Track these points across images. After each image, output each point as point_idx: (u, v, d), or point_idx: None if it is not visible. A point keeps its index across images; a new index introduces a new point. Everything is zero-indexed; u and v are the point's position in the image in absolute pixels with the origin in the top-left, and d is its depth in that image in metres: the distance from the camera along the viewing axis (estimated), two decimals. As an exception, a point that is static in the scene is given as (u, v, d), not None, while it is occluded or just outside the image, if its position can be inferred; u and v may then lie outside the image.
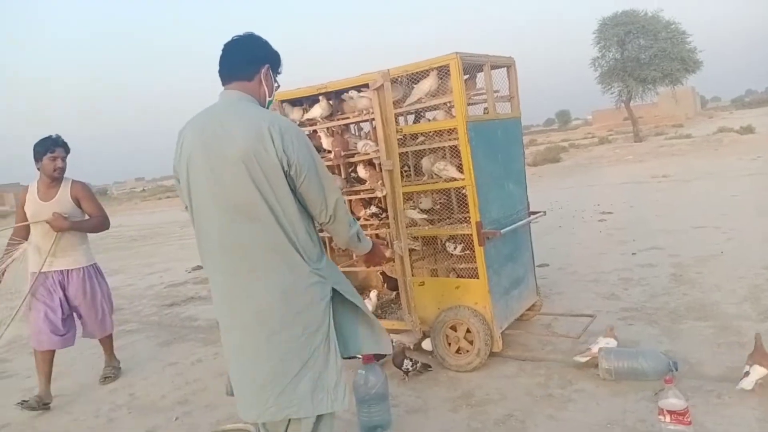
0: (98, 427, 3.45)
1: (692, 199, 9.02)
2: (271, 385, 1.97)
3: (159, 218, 20.28)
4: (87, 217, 3.99)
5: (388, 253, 3.77)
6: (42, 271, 3.82)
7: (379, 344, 2.34)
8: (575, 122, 78.72)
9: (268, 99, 2.13)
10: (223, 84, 2.10)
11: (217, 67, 2.12)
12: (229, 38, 2.12)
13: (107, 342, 4.28)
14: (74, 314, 4.02)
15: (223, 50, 2.10)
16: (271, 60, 2.12)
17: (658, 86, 26.40)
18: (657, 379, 2.92)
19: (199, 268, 8.46)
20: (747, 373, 2.82)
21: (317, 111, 3.93)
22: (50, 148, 3.78)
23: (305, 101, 4.11)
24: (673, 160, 15.95)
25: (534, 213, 4.11)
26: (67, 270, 3.91)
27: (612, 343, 3.35)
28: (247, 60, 2.08)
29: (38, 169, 3.84)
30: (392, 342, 3.48)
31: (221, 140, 1.93)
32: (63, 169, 3.86)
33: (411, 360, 3.50)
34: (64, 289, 3.90)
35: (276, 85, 2.17)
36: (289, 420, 2.00)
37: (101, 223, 4.02)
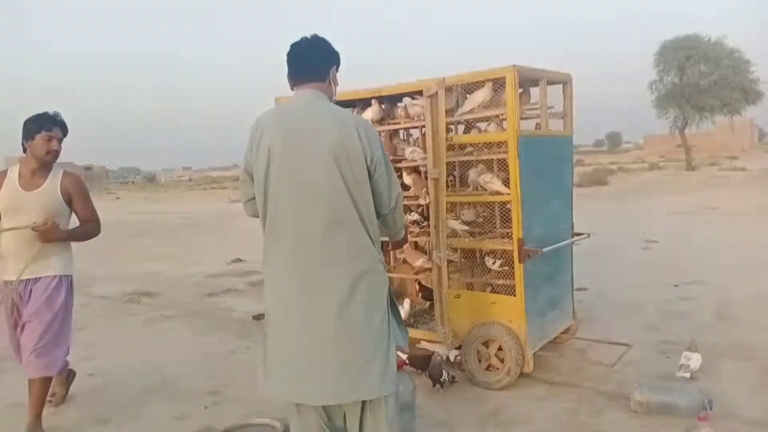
0: (129, 407, 3.54)
1: (742, 234, 8.70)
2: (346, 369, 2.04)
3: (204, 208, 20.71)
4: (75, 215, 3.27)
5: (422, 262, 3.78)
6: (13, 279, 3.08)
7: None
8: (626, 145, 76.99)
9: (334, 98, 2.25)
10: (296, 84, 2.19)
11: (285, 71, 2.22)
12: (296, 39, 2.21)
13: (38, 390, 3.10)
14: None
15: (294, 52, 2.20)
16: (338, 60, 2.24)
17: (715, 115, 25.65)
18: (690, 416, 2.83)
19: (239, 260, 8.62)
20: None
21: (368, 114, 3.96)
22: (46, 126, 3.09)
23: (357, 104, 4.16)
24: (725, 193, 15.42)
25: (578, 234, 4.04)
26: (35, 278, 3.10)
27: (696, 357, 3.46)
28: (321, 61, 2.19)
29: (25, 150, 3.13)
30: (435, 353, 3.49)
31: (311, 135, 2.04)
32: (57, 154, 3.15)
33: (447, 372, 3.48)
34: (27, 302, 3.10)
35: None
36: (363, 402, 2.11)
37: (93, 231, 3.31)
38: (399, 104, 3.94)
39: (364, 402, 2.11)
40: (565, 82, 3.87)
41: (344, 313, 2.04)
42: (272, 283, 2.14)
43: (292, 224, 2.06)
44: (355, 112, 4.14)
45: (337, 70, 2.24)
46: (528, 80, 3.63)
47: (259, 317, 5.25)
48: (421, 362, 3.59)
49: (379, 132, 3.99)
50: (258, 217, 2.19)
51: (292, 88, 2.22)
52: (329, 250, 2.04)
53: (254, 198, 2.17)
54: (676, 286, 5.71)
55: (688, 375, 3.47)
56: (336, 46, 2.25)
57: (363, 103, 4.09)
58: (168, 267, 8.73)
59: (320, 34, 2.23)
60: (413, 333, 3.86)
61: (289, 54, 2.19)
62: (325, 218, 2.03)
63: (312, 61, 2.18)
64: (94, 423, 3.34)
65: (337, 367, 2.04)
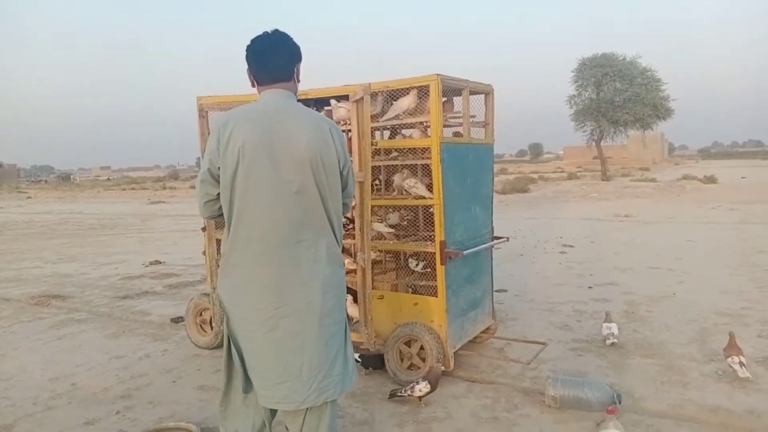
0: (35, 414, 3.34)
1: (650, 240, 9.27)
2: (317, 370, 2.06)
3: (121, 209, 19.86)
4: None
5: (347, 263, 3.79)
6: None
7: None
8: (547, 155, 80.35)
9: (297, 95, 2.22)
10: (262, 83, 2.12)
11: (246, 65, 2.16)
12: (257, 35, 2.13)
13: None
14: None
15: (257, 52, 2.11)
16: (301, 57, 2.18)
17: (629, 129, 27.20)
18: (600, 409, 2.98)
19: (156, 263, 8.32)
20: (740, 364, 3.41)
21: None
22: None
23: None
24: (636, 202, 16.39)
25: (497, 238, 4.18)
26: None
27: (614, 326, 4.17)
28: (285, 61, 2.12)
29: None
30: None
31: (286, 138, 2.00)
32: None
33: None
34: None
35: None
36: (307, 409, 2.10)
37: None
38: (326, 107, 3.94)
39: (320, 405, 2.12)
40: (487, 92, 3.99)
41: (315, 314, 2.06)
42: (239, 287, 2.08)
43: (262, 227, 2.02)
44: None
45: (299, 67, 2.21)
46: (451, 89, 3.73)
47: (177, 320, 5.09)
48: (374, 361, 3.68)
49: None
50: (215, 218, 2.17)
51: (253, 86, 2.16)
52: (300, 254, 2.04)
53: (215, 198, 2.08)
54: (590, 288, 6.00)
55: (615, 341, 4.13)
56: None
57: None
58: (80, 269, 8.32)
59: (280, 29, 2.16)
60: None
61: (251, 52, 2.12)
62: (297, 223, 2.02)
63: (278, 61, 2.11)
64: (-5, 431, 3.14)
65: (312, 370, 2.06)
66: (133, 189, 34.82)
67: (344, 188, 2.16)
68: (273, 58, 2.10)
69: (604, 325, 4.22)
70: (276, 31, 2.13)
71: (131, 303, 6.08)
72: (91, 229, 13.92)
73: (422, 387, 3.20)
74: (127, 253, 9.60)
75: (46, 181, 58.73)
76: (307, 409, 2.10)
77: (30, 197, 31.26)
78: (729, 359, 3.48)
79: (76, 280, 7.43)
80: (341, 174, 2.10)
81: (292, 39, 2.15)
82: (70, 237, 12.31)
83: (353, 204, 3.56)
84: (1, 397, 3.60)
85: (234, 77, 2.30)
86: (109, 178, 59.77)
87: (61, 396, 3.59)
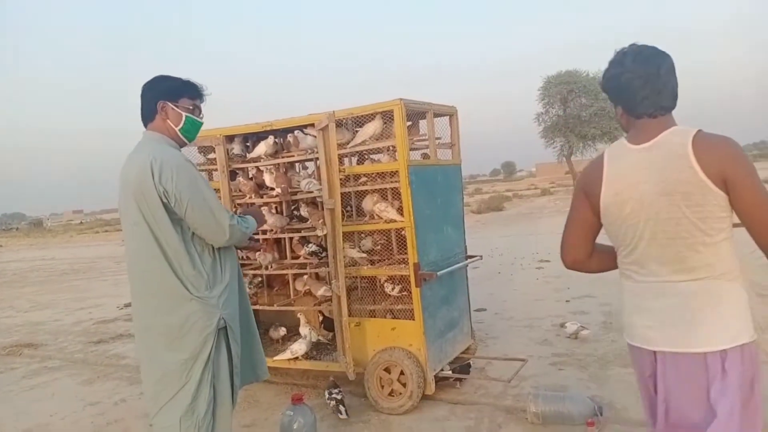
0: (6, 469, 3.23)
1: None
2: (154, 400, 2.14)
3: (94, 252, 19.50)
4: None
5: (323, 291, 3.77)
6: None
7: (256, 371, 2.45)
8: (520, 173, 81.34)
9: (178, 128, 2.25)
10: (144, 127, 2.29)
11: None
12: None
13: None
14: None
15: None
16: (167, 94, 2.23)
17: (597, 143, 27.71)
18: (583, 423, 2.98)
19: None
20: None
21: (262, 148, 3.95)
22: None
23: (250, 138, 4.13)
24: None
25: (471, 257, 4.19)
26: None
27: (572, 322, 4.63)
28: (144, 105, 2.25)
29: None
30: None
31: (125, 177, 2.14)
32: None
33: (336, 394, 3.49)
34: None
35: (186, 111, 2.24)
36: None
37: None
38: (290, 135, 3.95)
39: None
40: (451, 114, 4.05)
41: (148, 347, 2.16)
42: (133, 308, 2.26)
43: (129, 266, 2.19)
44: (249, 145, 4.12)
45: (175, 99, 2.23)
46: (416, 113, 3.77)
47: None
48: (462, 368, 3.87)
49: (276, 165, 3.99)
50: None
51: None
52: (141, 287, 2.16)
53: None
54: (567, 301, 6.04)
55: (587, 330, 4.60)
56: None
57: (256, 137, 4.07)
58: (53, 315, 8.14)
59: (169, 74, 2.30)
60: (316, 365, 3.83)
61: None
62: (138, 259, 2.14)
63: (141, 104, 2.26)
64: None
65: (149, 394, 2.19)
66: (106, 231, 34.30)
67: (196, 229, 2.13)
68: (140, 102, 2.27)
69: (568, 324, 4.66)
70: (149, 79, 2.28)
71: (106, 347, 5.95)
72: (64, 275, 13.64)
73: None
74: (101, 296, 9.41)
75: (17, 229, 57.59)
76: None
77: (1, 246, 30.59)
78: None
79: (49, 328, 7.26)
80: (166, 206, 2.06)
81: (154, 80, 2.26)
82: (43, 284, 12.04)
83: (324, 233, 3.58)
84: (-29, 452, 3.47)
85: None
86: (81, 222, 58.78)
87: (33, 448, 3.48)
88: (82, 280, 12.30)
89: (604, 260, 1.91)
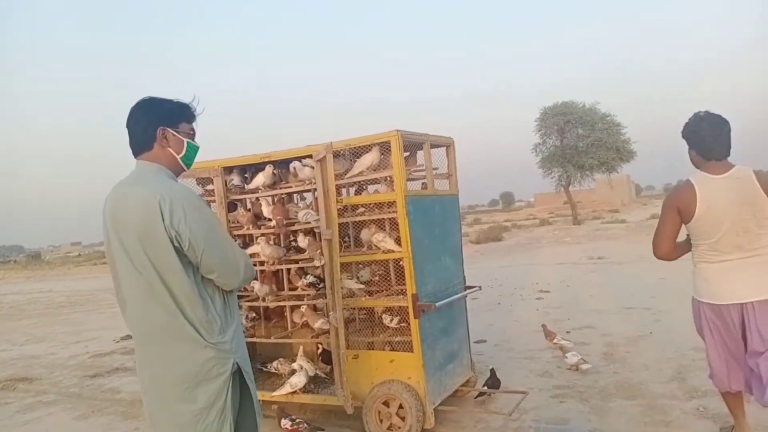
0: None
1: (625, 281, 9.34)
2: None
3: (92, 284, 19.40)
4: None
5: (321, 323, 3.72)
6: None
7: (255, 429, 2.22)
8: (518, 203, 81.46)
9: (180, 156, 2.08)
10: (134, 156, 2.08)
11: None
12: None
13: None
14: None
15: (126, 126, 2.08)
16: (166, 119, 2.06)
17: (595, 173, 27.83)
18: (585, 457, 2.93)
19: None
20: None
21: (260, 179, 3.96)
22: None
23: (249, 169, 4.15)
24: (608, 243, 16.58)
25: (470, 287, 4.17)
26: None
27: (569, 349, 4.77)
28: (140, 133, 2.05)
29: None
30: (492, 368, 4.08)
31: (123, 215, 1.94)
32: None
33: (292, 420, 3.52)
34: None
35: (188, 137, 2.10)
36: None
37: None
38: (291, 165, 3.97)
39: None
40: (447, 145, 4.08)
41: (159, 397, 2.01)
42: (136, 355, 2.11)
43: (127, 304, 2.02)
44: (248, 176, 4.13)
45: (174, 125, 2.07)
46: (413, 144, 3.80)
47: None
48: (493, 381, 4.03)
49: (273, 196, 4.00)
50: None
51: None
52: (148, 334, 2.00)
53: None
54: (568, 332, 5.97)
55: (588, 365, 4.55)
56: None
57: (254, 168, 4.09)
58: (49, 349, 8.04)
59: (152, 95, 2.09)
60: (314, 399, 3.77)
61: None
62: (143, 304, 1.96)
63: (134, 131, 2.06)
64: None
65: None
66: (104, 263, 34.13)
67: (199, 265, 1.95)
68: (129, 128, 2.07)
69: (568, 355, 4.63)
70: (138, 100, 2.08)
71: (101, 381, 5.87)
72: (61, 308, 13.53)
73: None
74: (98, 329, 9.31)
75: (15, 261, 57.35)
76: None
77: (-2, 278, 30.45)
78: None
79: (45, 361, 7.18)
80: (176, 249, 1.90)
81: (149, 104, 2.07)
82: (39, 317, 11.92)
83: (321, 263, 3.56)
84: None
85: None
86: (79, 254, 58.54)
87: (24, 486, 3.40)
88: (79, 312, 12.20)
89: (681, 249, 2.93)
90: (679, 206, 2.76)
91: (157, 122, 2.04)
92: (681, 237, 2.90)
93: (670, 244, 2.86)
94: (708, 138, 2.72)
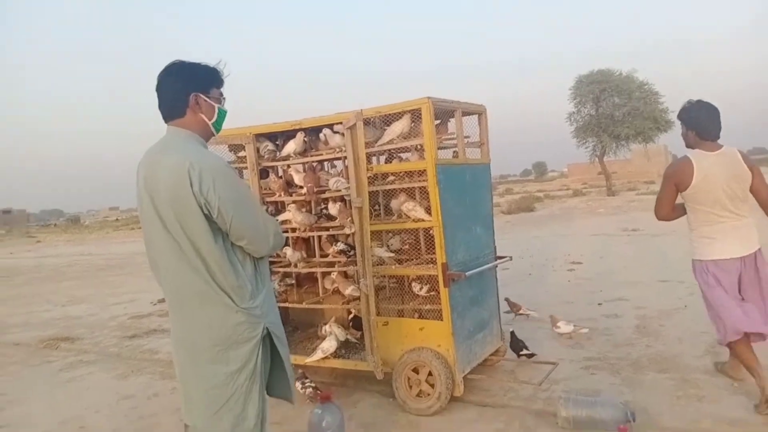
0: (42, 459, 3.31)
1: (659, 253, 9.17)
2: (198, 414, 2.06)
3: (130, 248, 19.91)
4: None
5: (351, 290, 3.75)
6: None
7: (288, 392, 2.27)
8: (551, 174, 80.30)
9: (212, 121, 2.11)
10: (164, 122, 2.10)
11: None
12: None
13: None
14: None
15: (156, 91, 2.08)
16: (199, 84, 2.07)
17: (631, 143, 27.19)
18: (615, 428, 2.91)
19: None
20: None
21: (291, 147, 3.97)
22: None
23: (280, 136, 4.15)
24: (643, 215, 16.23)
25: (501, 258, 4.14)
26: None
27: (564, 323, 4.81)
28: (172, 99, 2.06)
29: None
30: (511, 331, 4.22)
31: (155, 180, 1.97)
32: None
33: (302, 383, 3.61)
34: None
35: (219, 103, 2.12)
36: None
37: None
38: (321, 134, 3.96)
39: None
40: (480, 113, 4.01)
41: (192, 359, 2.06)
42: (170, 317, 2.15)
43: (160, 267, 2.07)
44: (279, 144, 4.14)
45: (207, 90, 2.09)
46: (444, 112, 3.74)
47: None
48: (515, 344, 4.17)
49: (303, 164, 4.00)
50: None
51: None
52: (180, 297, 2.04)
53: None
54: (599, 304, 5.92)
55: (585, 329, 4.83)
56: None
57: (285, 136, 4.10)
58: (89, 310, 8.33)
59: (185, 59, 2.08)
60: (345, 364, 3.83)
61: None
62: (176, 268, 2.00)
63: (165, 97, 2.07)
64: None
65: (193, 406, 2.11)
66: (140, 228, 34.97)
67: (228, 232, 1.98)
68: (160, 92, 2.08)
69: (560, 324, 4.80)
70: (170, 63, 2.09)
71: (140, 342, 6.07)
72: (100, 270, 13.96)
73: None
74: (136, 292, 9.59)
75: (55, 225, 59.21)
76: None
77: (39, 241, 31.47)
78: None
79: (86, 322, 7.44)
80: (206, 216, 1.93)
81: (181, 70, 2.07)
82: (80, 279, 12.34)
83: (351, 231, 3.57)
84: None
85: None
86: (117, 219, 60.11)
87: (69, 439, 3.56)
88: (117, 275, 12.57)
89: (678, 211, 3.46)
90: (677, 177, 3.29)
91: (190, 88, 2.05)
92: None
93: (669, 208, 3.41)
94: (705, 121, 3.27)
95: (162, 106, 2.08)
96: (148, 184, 1.99)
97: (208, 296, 1.98)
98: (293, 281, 4.34)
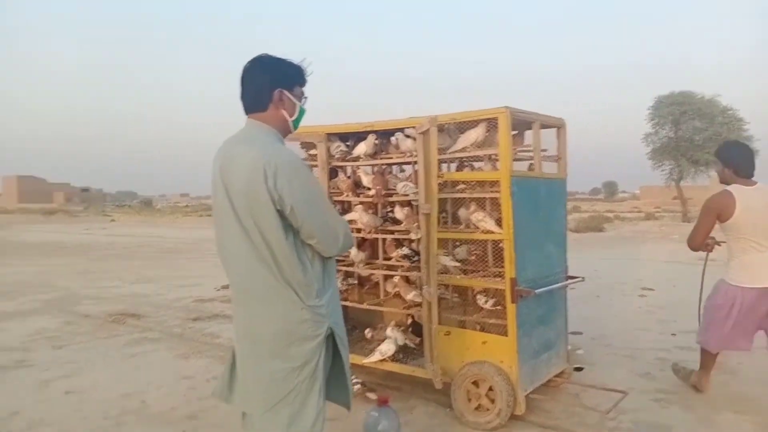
0: (106, 428, 3.43)
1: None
2: (256, 406, 2.05)
3: (197, 234, 20.62)
4: None
5: (413, 296, 3.69)
6: None
7: (346, 397, 2.23)
8: (621, 194, 77.60)
9: (291, 119, 2.10)
10: (245, 114, 2.10)
11: None
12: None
13: None
14: None
15: (240, 81, 2.09)
16: (285, 81, 2.07)
17: (710, 169, 25.83)
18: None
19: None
20: None
21: (362, 148, 3.95)
22: None
23: (351, 137, 4.15)
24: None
25: (572, 278, 3.98)
26: None
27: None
28: (257, 92, 2.05)
29: None
30: None
31: (231, 172, 1.98)
32: None
33: None
34: None
35: (303, 101, 2.13)
36: None
37: None
38: (392, 138, 3.92)
39: None
40: (558, 126, 3.87)
41: (255, 352, 2.05)
42: (234, 307, 2.15)
43: (229, 260, 2.06)
44: (350, 144, 4.13)
45: (291, 88, 2.08)
46: (521, 122, 3.63)
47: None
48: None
49: (372, 166, 3.98)
50: None
51: None
52: (249, 290, 2.03)
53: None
54: (673, 334, 5.60)
55: (578, 351, 4.75)
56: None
57: (356, 137, 4.08)
58: (156, 290, 8.64)
59: (271, 54, 2.08)
60: (402, 369, 3.77)
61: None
62: (245, 261, 1.99)
63: (249, 89, 2.07)
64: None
65: (251, 397, 2.10)
66: (209, 216, 36.17)
67: (299, 229, 1.96)
68: (244, 84, 2.08)
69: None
70: (258, 56, 2.08)
71: (202, 325, 6.22)
72: (169, 253, 14.49)
73: None
74: (201, 276, 9.88)
75: (129, 206, 62.11)
76: None
77: (114, 220, 33.09)
78: None
79: (152, 301, 7.71)
80: (279, 212, 1.92)
81: (269, 64, 2.07)
82: (149, 259, 12.86)
83: (417, 237, 3.51)
84: (75, 410, 3.73)
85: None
86: (187, 205, 62.45)
87: (130, 413, 3.68)
88: (184, 259, 13.01)
89: (705, 244, 3.83)
90: (719, 209, 3.57)
91: (276, 83, 2.05)
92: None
93: (704, 238, 3.73)
94: (742, 159, 3.63)
95: (244, 98, 2.08)
96: (224, 174, 1.99)
97: (274, 290, 1.97)
98: (356, 281, 4.33)
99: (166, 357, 5.01)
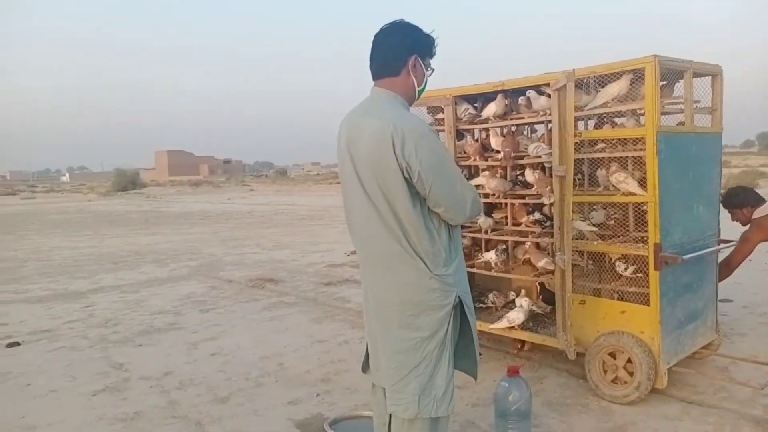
0: (247, 389, 3.69)
1: None
2: (386, 377, 2.06)
3: (328, 201, 21.46)
4: None
5: (545, 263, 3.55)
6: None
7: (473, 366, 2.18)
8: (780, 146, 69.18)
9: (418, 89, 2.08)
10: (373, 79, 2.08)
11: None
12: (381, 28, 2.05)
13: None
14: None
15: (372, 44, 2.06)
16: (420, 48, 2.05)
17: None
18: None
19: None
20: None
21: (491, 109, 3.82)
22: None
23: (479, 98, 4.02)
24: None
25: (725, 241, 3.63)
26: None
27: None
28: (393, 56, 2.02)
29: None
30: None
31: (357, 142, 1.98)
32: None
33: None
34: None
35: (429, 72, 2.11)
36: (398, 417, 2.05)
37: None
38: (521, 98, 3.74)
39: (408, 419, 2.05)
40: (714, 74, 3.48)
41: (383, 321, 2.05)
42: (361, 276, 2.18)
43: (356, 228, 2.08)
44: (477, 106, 4.01)
45: (423, 57, 2.06)
46: (671, 72, 3.29)
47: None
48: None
49: (502, 127, 3.84)
50: None
51: None
52: (376, 259, 2.03)
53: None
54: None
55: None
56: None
57: (484, 98, 3.95)
58: (291, 255, 9.12)
59: (406, 20, 2.04)
60: (532, 337, 3.68)
61: (371, 47, 2.07)
62: (372, 230, 1.99)
63: (386, 53, 2.04)
64: (214, 401, 3.51)
65: (382, 373, 2.13)
66: (338, 183, 37.46)
67: (426, 197, 1.92)
68: (378, 49, 2.04)
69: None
70: (393, 22, 2.04)
71: (334, 289, 6.49)
72: (302, 220, 15.24)
73: None
74: (332, 242, 10.29)
75: (266, 176, 65.90)
76: (390, 415, 2.08)
77: (252, 190, 35.39)
78: None
79: (288, 266, 8.16)
80: (407, 180, 1.88)
81: (409, 29, 2.03)
82: (285, 226, 13.62)
83: (550, 201, 3.35)
84: (220, 371, 4.04)
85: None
86: (318, 173, 65.08)
87: (269, 374, 3.93)
88: (316, 225, 13.63)
89: None
90: (764, 235, 3.80)
91: (413, 50, 2.03)
92: None
93: (743, 260, 3.87)
94: (750, 194, 3.95)
95: (376, 62, 2.06)
96: (350, 144, 2.00)
97: (402, 259, 1.96)
98: (479, 247, 4.23)
99: (300, 321, 5.28)
